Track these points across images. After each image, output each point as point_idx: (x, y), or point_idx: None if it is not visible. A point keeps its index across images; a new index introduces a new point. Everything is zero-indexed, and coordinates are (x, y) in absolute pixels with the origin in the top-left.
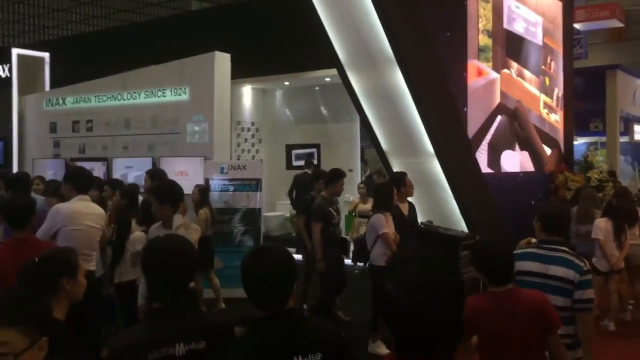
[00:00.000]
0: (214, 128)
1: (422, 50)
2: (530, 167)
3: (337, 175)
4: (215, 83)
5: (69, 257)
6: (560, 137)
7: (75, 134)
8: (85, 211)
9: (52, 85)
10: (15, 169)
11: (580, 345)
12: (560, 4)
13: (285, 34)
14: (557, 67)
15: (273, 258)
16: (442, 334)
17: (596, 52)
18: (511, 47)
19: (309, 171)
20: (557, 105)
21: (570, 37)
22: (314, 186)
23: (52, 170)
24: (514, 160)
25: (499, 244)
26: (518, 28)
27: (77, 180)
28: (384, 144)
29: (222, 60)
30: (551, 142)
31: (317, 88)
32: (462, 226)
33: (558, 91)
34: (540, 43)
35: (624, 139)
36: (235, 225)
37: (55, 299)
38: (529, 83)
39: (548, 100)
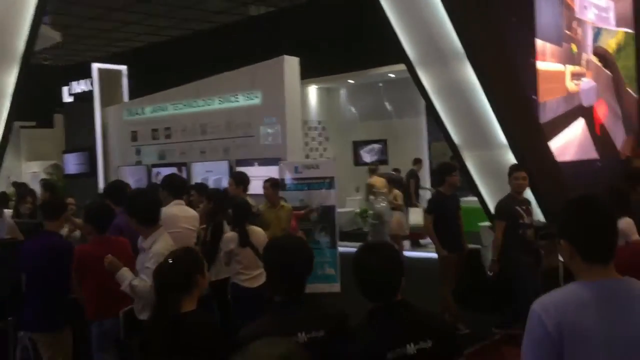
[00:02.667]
0: (286, 129)
1: (491, 41)
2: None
3: (512, 169)
4: (285, 86)
5: (197, 255)
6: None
7: (155, 141)
8: (181, 215)
9: (131, 96)
10: (101, 177)
11: None
12: None
13: (347, 32)
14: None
15: (382, 254)
16: None
17: None
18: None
19: (394, 172)
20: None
21: None
22: (445, 179)
23: (136, 177)
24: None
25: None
26: (590, 16)
27: (172, 187)
28: (455, 138)
29: (291, 64)
30: (627, 126)
31: (380, 84)
32: (539, 215)
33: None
34: (615, 29)
35: None
36: (311, 223)
37: (190, 294)
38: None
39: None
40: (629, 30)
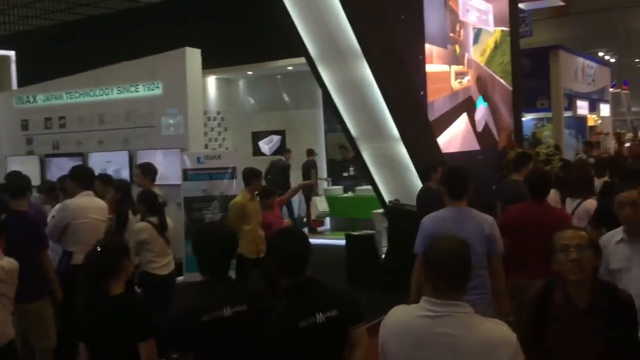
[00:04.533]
0: (188, 120)
1: (385, 41)
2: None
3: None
4: (187, 77)
5: (123, 241)
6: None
7: (48, 130)
8: (90, 205)
9: (20, 83)
10: None
11: None
12: None
13: (248, 25)
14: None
15: (294, 238)
16: None
17: (540, 27)
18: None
19: (283, 158)
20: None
21: (516, 16)
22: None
23: (27, 166)
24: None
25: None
26: (472, 19)
27: (81, 177)
28: (353, 131)
29: (193, 56)
30: (502, 120)
31: (279, 76)
32: None
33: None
34: (493, 29)
35: (568, 114)
36: (213, 212)
37: (119, 278)
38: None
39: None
40: (505, 28)
